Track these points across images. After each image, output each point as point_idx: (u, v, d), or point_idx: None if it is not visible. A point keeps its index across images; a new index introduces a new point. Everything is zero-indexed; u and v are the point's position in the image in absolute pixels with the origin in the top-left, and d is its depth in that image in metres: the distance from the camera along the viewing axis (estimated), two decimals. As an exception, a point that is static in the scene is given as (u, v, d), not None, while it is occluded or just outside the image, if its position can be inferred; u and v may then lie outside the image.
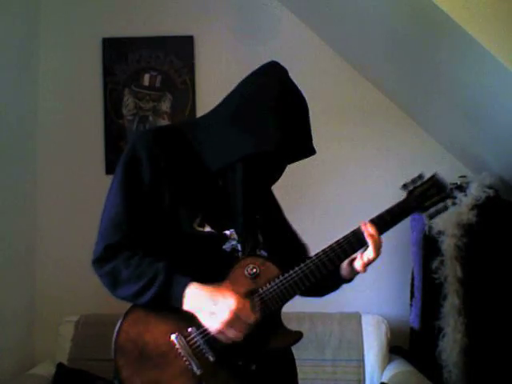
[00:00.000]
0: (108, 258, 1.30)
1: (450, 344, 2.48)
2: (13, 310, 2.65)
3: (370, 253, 1.37)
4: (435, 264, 2.54)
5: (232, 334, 1.23)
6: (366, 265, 1.39)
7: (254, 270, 1.31)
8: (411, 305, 2.74)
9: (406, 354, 2.69)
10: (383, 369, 2.55)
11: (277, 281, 1.32)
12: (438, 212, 1.47)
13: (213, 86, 2.97)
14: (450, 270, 2.50)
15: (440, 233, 2.54)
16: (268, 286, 1.31)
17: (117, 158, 2.86)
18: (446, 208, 1.47)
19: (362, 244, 1.38)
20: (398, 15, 2.24)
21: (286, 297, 1.32)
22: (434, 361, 2.52)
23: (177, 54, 2.98)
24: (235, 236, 1.36)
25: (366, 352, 2.57)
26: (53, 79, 2.99)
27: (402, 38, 2.38)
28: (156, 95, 2.98)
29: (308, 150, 1.46)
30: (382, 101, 2.97)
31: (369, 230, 1.37)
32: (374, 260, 1.38)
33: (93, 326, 2.65)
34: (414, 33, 2.27)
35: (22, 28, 2.84)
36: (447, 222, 2.51)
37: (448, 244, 2.51)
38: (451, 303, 2.49)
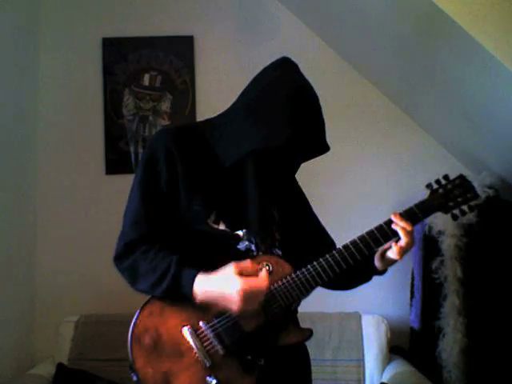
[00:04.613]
0: (127, 255, 1.36)
1: (450, 344, 2.48)
2: (13, 310, 2.65)
3: (401, 241, 1.37)
4: (435, 264, 2.54)
5: (250, 308, 1.27)
6: (402, 252, 1.38)
7: (267, 268, 1.34)
8: (411, 305, 2.74)
9: (406, 354, 2.69)
10: (383, 369, 2.55)
11: (288, 278, 1.35)
12: (463, 213, 1.45)
13: (213, 86, 2.97)
14: (450, 270, 2.50)
15: (440, 233, 2.54)
16: (280, 283, 1.34)
17: (117, 157, 2.92)
18: (472, 209, 1.45)
19: (387, 238, 1.39)
20: (398, 16, 2.24)
21: (298, 294, 1.35)
22: (434, 361, 2.52)
23: (177, 54, 2.98)
24: (247, 236, 1.38)
25: (366, 352, 2.57)
26: (53, 79, 2.98)
27: (403, 39, 2.38)
28: (156, 95, 2.98)
29: (321, 147, 1.46)
30: (382, 101, 2.97)
31: (397, 222, 1.38)
32: (408, 246, 1.37)
33: (93, 325, 2.65)
34: (414, 33, 2.27)
35: (22, 28, 2.84)
36: (447, 222, 2.51)
37: (448, 244, 2.51)
38: (451, 303, 2.49)
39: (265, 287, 1.27)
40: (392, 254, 1.39)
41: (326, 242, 1.60)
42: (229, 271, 1.27)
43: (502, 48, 1.86)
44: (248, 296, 1.25)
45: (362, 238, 1.38)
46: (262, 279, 1.27)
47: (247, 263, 1.29)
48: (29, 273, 2.85)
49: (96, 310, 2.76)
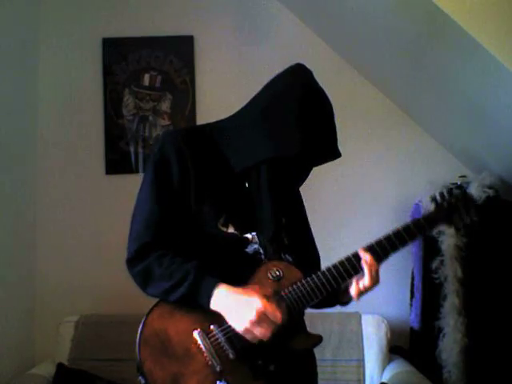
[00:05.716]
0: (140, 258, 1.33)
1: (450, 344, 2.48)
2: (13, 310, 2.65)
3: (365, 280, 1.35)
4: (435, 264, 2.55)
5: (259, 333, 1.25)
6: (361, 293, 1.36)
7: (278, 273, 1.34)
8: (411, 305, 2.74)
9: (406, 354, 2.69)
10: (383, 369, 2.55)
11: (299, 284, 1.34)
12: (465, 226, 1.48)
13: (213, 86, 2.97)
14: (450, 270, 2.50)
15: (440, 233, 2.54)
16: (290, 288, 1.34)
17: (117, 157, 2.92)
18: (473, 223, 1.47)
19: (356, 271, 1.36)
20: (398, 16, 2.24)
21: (308, 300, 1.35)
22: (434, 361, 2.52)
23: (177, 54, 2.98)
24: (256, 239, 1.38)
25: (366, 352, 2.57)
26: (53, 79, 2.99)
27: (403, 38, 2.38)
28: (156, 95, 2.98)
29: (333, 153, 1.46)
30: (382, 101, 2.97)
31: (365, 258, 1.35)
32: (370, 288, 1.35)
33: (93, 326, 2.65)
34: (414, 33, 2.27)
35: (22, 28, 2.84)
36: (447, 222, 2.51)
37: (448, 244, 2.51)
38: (451, 303, 2.49)
39: (279, 319, 1.25)
40: (352, 292, 1.37)
41: (315, 255, 1.61)
42: (252, 289, 1.27)
43: (501, 48, 1.86)
44: (264, 317, 1.24)
45: (370, 247, 1.38)
46: (280, 312, 1.26)
47: (269, 289, 1.29)
48: (29, 273, 2.85)
49: (96, 310, 2.76)
